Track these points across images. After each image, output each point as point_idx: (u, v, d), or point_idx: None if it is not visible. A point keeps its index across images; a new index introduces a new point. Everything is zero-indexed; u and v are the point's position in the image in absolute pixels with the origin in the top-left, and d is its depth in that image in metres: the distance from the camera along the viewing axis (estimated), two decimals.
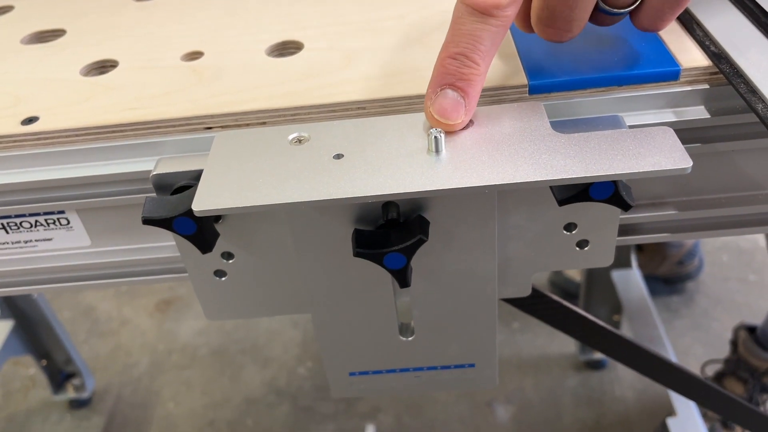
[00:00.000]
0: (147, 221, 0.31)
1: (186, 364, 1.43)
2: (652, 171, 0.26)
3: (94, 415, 1.35)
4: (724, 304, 1.41)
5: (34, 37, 0.43)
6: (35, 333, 1.26)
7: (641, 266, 1.31)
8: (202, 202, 0.27)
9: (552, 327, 0.51)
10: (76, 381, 1.34)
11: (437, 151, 0.28)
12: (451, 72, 0.28)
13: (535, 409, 1.26)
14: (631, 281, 1.07)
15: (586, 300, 1.17)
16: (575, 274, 1.35)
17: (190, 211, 0.30)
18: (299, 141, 0.30)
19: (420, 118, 0.31)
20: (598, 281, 1.14)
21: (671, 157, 0.26)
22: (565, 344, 1.34)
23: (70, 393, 1.34)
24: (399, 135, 0.29)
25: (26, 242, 0.38)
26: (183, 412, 1.34)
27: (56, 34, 0.43)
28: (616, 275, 1.10)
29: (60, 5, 0.47)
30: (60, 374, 1.32)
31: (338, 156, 0.29)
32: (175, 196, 0.32)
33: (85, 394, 1.34)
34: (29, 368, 1.45)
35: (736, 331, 1.12)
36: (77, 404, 1.35)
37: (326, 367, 0.40)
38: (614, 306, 1.13)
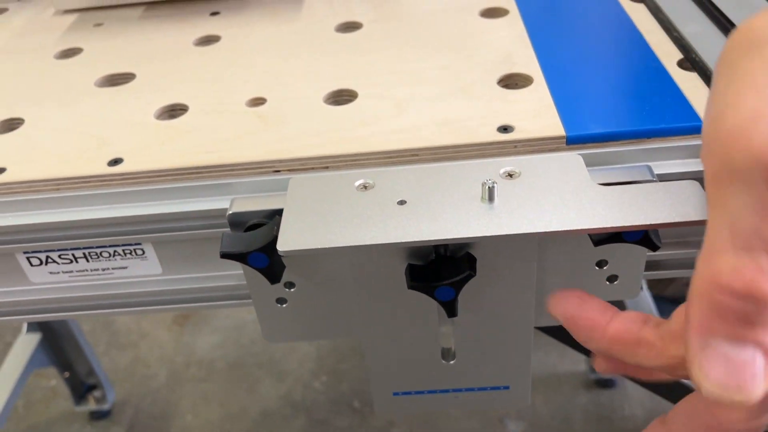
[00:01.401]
0: (225, 255, 0.35)
1: (204, 376, 1.46)
2: (681, 222, 0.29)
3: (113, 426, 1.38)
4: None
5: (106, 80, 0.47)
6: (60, 345, 1.30)
7: (649, 287, 1.34)
8: (286, 244, 0.30)
9: (576, 351, 0.55)
10: (97, 393, 1.37)
11: (491, 199, 0.31)
12: None
13: (545, 426, 1.28)
14: (641, 302, 1.10)
15: None
16: None
17: (264, 246, 0.34)
18: (365, 187, 0.34)
19: (472, 166, 0.34)
20: (611, 301, 1.17)
21: (698, 208, 0.30)
22: (576, 362, 1.37)
23: (91, 404, 1.37)
24: (455, 183, 0.33)
25: (104, 270, 0.41)
26: (200, 424, 1.37)
27: (126, 77, 0.47)
28: None
29: (126, 49, 0.51)
30: (82, 386, 1.36)
31: (401, 202, 0.32)
32: (249, 232, 0.36)
33: (105, 406, 1.37)
34: (51, 380, 1.48)
35: None
36: (98, 415, 1.38)
37: (372, 387, 0.44)
38: None
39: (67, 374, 1.33)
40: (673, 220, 0.29)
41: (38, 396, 1.46)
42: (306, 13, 0.53)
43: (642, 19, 0.46)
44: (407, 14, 0.51)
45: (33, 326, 1.26)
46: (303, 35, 0.50)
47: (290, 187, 0.34)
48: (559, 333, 0.55)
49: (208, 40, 0.51)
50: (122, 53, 0.50)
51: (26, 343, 1.24)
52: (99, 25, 0.55)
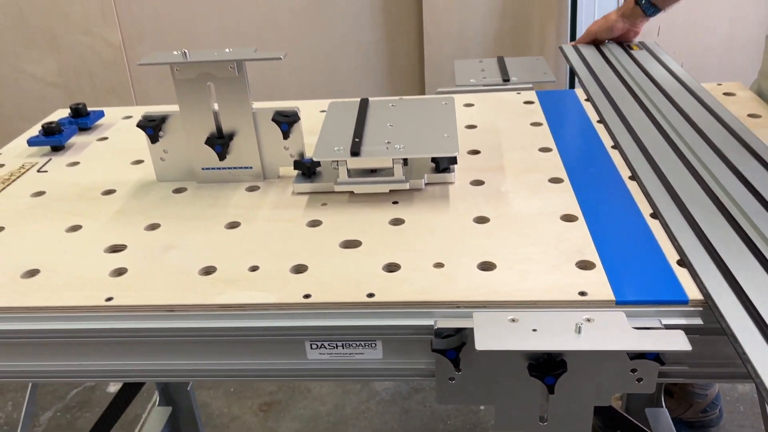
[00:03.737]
0: (435, 351, 0.67)
1: None
2: (672, 350, 0.61)
3: None
4: None
5: (345, 244, 0.82)
6: (178, 419, 1.59)
7: (671, 410, 1.60)
8: (481, 345, 0.63)
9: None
10: None
11: (579, 332, 0.64)
12: None
13: None
14: (661, 417, 1.37)
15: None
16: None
17: (455, 347, 0.66)
18: (513, 320, 0.66)
19: (568, 313, 0.67)
20: (635, 416, 1.43)
21: (683, 343, 0.62)
22: None
23: None
24: (560, 322, 0.65)
25: (349, 354, 0.74)
26: None
27: (356, 243, 0.82)
28: (648, 411, 1.40)
29: (349, 223, 0.86)
30: None
31: (534, 330, 0.65)
32: (446, 338, 0.68)
33: None
34: None
35: None
36: None
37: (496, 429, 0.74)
38: None
39: None
40: (667, 348, 0.61)
41: None
42: (452, 208, 0.89)
43: (657, 231, 0.80)
44: (517, 215, 0.86)
45: (163, 400, 1.56)
46: (454, 223, 0.85)
47: (475, 318, 0.67)
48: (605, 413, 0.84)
49: (397, 222, 0.86)
50: (348, 226, 0.85)
51: (159, 415, 1.53)
52: (324, 204, 0.91)
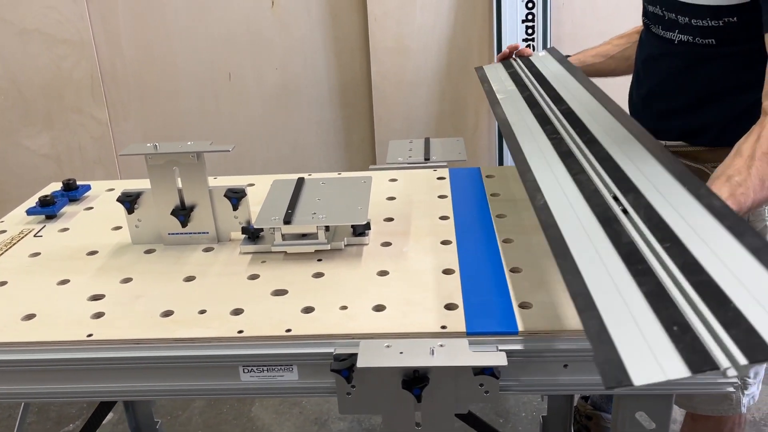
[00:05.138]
0: (333, 370, 0.91)
1: None
2: (493, 365, 0.85)
3: None
4: None
5: (276, 292, 1.06)
6: None
7: None
8: (362, 363, 0.87)
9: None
10: None
11: (432, 354, 0.88)
12: None
13: None
14: None
15: None
16: None
17: (347, 368, 0.90)
18: (388, 347, 0.90)
19: (425, 341, 0.91)
20: None
21: (501, 360, 0.86)
22: None
23: None
24: (421, 346, 0.90)
25: (273, 376, 0.97)
26: None
27: (284, 291, 1.06)
28: None
29: (281, 275, 1.10)
30: None
31: (401, 353, 0.89)
32: (341, 361, 0.92)
33: None
34: None
35: None
36: None
37: None
38: None
39: None
40: (484, 364, 0.85)
41: None
42: (363, 264, 1.14)
43: (514, 281, 1.05)
44: (411, 270, 1.11)
45: None
46: (362, 275, 1.09)
47: (360, 345, 0.91)
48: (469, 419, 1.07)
49: (318, 275, 1.11)
50: (280, 278, 1.10)
51: None
52: (264, 261, 1.16)
